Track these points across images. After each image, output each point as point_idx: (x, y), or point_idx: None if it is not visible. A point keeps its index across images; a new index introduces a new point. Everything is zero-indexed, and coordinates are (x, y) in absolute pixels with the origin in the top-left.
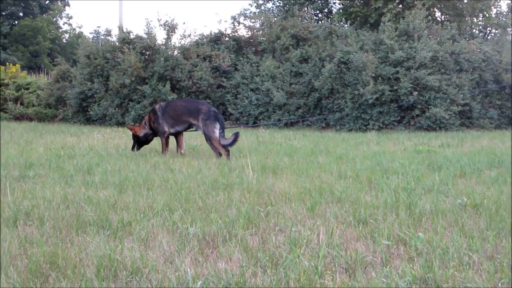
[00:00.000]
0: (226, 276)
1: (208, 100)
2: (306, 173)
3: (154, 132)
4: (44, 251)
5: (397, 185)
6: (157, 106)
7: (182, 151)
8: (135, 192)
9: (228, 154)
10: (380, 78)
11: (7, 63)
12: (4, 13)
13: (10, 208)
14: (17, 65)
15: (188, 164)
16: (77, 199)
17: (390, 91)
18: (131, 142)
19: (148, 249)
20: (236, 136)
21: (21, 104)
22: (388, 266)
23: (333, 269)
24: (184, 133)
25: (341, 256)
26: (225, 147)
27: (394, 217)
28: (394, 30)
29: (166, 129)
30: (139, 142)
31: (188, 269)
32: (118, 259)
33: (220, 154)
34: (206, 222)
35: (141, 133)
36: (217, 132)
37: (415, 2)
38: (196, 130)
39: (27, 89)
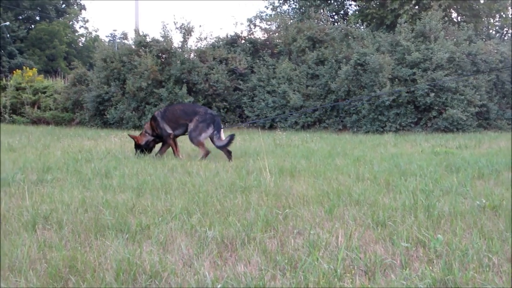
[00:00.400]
0: (246, 279)
1: (224, 103)
2: (324, 175)
3: (155, 139)
4: (63, 255)
5: (415, 187)
6: (156, 113)
7: (163, 155)
8: (153, 196)
9: (206, 156)
10: (396, 79)
11: (24, 67)
12: (20, 17)
13: (28, 212)
14: (34, 69)
15: (206, 167)
16: (95, 202)
17: (407, 92)
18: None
19: (167, 252)
20: (231, 138)
21: (38, 108)
22: (407, 269)
23: (353, 271)
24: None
25: (360, 258)
26: (220, 148)
27: (413, 219)
28: (411, 32)
29: (170, 131)
30: (142, 150)
31: (207, 273)
32: (137, 262)
33: (206, 155)
34: (225, 225)
35: (142, 141)
36: (203, 136)
37: (432, 3)
38: None
39: (44, 93)
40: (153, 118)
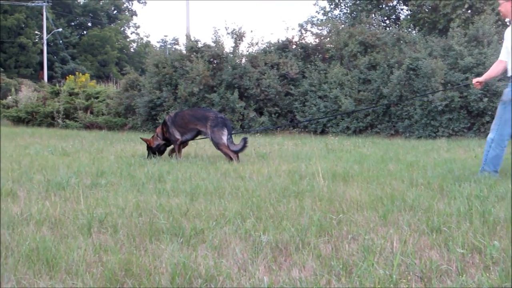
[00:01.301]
0: (301, 284)
1: (276, 108)
2: (377, 180)
3: (166, 143)
4: (119, 259)
5: (470, 192)
6: (167, 117)
7: (173, 156)
8: (207, 200)
9: (238, 158)
10: (449, 84)
11: (77, 73)
12: (73, 23)
13: (84, 215)
14: (86, 74)
15: (258, 171)
16: (149, 206)
17: (460, 97)
18: (200, 150)
19: (222, 256)
20: (245, 142)
21: (91, 113)
22: (464, 275)
23: (408, 277)
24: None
25: (416, 264)
26: (234, 152)
27: (468, 225)
28: (463, 36)
29: (178, 136)
30: (153, 152)
31: (264, 277)
32: (192, 266)
33: (231, 158)
34: (279, 230)
35: (154, 144)
36: (224, 138)
37: (484, 7)
38: (206, 137)
39: (97, 98)
40: (164, 123)
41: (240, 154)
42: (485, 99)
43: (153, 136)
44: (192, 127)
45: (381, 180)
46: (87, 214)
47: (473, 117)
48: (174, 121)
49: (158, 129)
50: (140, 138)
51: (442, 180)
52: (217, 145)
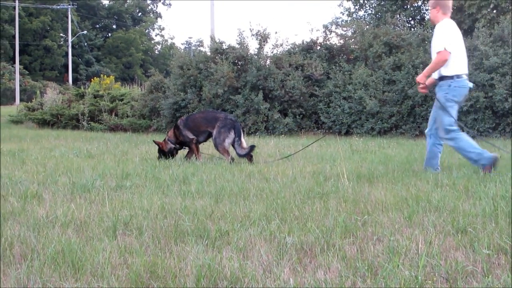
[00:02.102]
0: (326, 286)
1: (300, 109)
2: (402, 181)
3: (176, 147)
4: (144, 261)
5: (495, 193)
6: (179, 121)
7: (190, 159)
8: (232, 202)
9: (233, 160)
10: (474, 84)
11: (101, 75)
12: (97, 25)
13: (109, 218)
14: (111, 76)
15: (283, 173)
16: (174, 208)
17: (485, 97)
18: None
19: (247, 258)
20: (251, 148)
21: (116, 115)
22: (489, 276)
23: (434, 278)
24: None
25: (441, 265)
26: (241, 156)
27: (494, 226)
28: (489, 36)
29: (192, 136)
30: (165, 155)
31: (290, 279)
32: (217, 268)
33: (232, 160)
34: (303, 232)
35: (166, 148)
36: (228, 141)
37: (510, 7)
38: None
39: (121, 100)
40: (176, 127)
41: (264, 156)
42: (510, 99)
43: (164, 140)
44: (204, 129)
45: (406, 181)
46: (112, 216)
47: (498, 117)
48: (186, 124)
49: (170, 133)
50: (153, 141)
51: (467, 181)
52: (217, 145)
